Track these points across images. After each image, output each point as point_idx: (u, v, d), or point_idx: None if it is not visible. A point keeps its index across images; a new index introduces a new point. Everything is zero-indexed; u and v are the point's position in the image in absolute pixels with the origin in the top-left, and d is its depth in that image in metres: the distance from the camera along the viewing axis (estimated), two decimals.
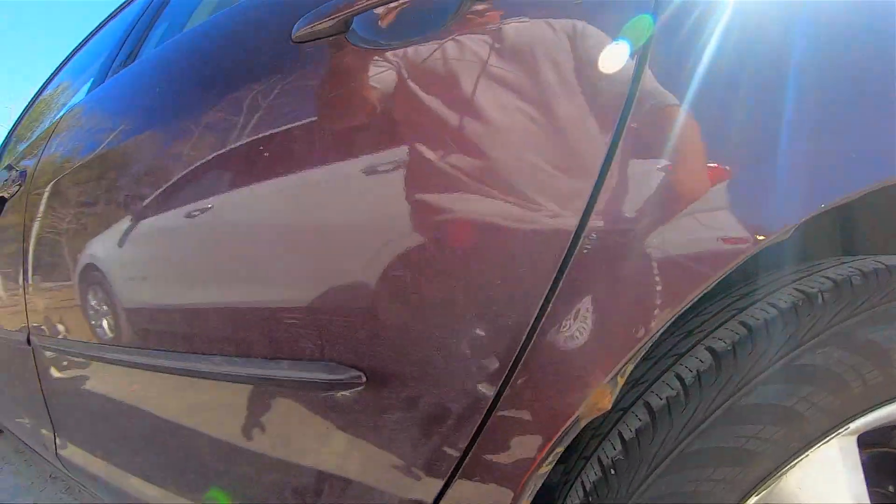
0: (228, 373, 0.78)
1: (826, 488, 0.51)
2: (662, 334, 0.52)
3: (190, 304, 0.86)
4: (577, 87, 0.56)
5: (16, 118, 2.19)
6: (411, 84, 0.64)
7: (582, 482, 0.57)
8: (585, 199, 0.51)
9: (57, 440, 1.33)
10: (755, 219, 0.50)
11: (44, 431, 1.40)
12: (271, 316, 0.74)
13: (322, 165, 0.70)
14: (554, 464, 0.55)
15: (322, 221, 0.70)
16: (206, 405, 0.86)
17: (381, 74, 0.66)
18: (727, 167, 0.51)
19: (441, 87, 0.62)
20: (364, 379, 0.62)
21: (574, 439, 0.55)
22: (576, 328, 0.52)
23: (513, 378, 0.55)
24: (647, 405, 0.54)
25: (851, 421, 0.50)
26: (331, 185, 0.69)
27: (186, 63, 0.99)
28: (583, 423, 0.53)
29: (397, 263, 0.61)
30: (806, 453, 0.50)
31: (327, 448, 0.70)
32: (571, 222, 0.52)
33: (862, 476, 0.52)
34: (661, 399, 0.53)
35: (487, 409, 0.56)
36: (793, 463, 0.50)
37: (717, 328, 0.54)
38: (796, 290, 0.52)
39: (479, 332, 0.57)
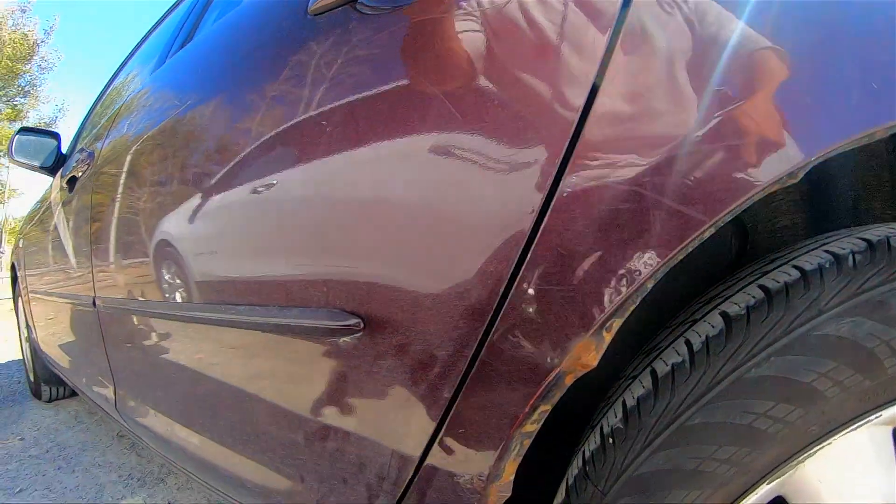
0: (253, 321, 0.82)
1: (852, 485, 0.44)
2: (684, 301, 0.52)
3: (222, 264, 0.91)
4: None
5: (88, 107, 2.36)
6: (411, 47, 0.63)
7: (582, 451, 0.55)
8: (566, 142, 0.49)
9: (117, 393, 1.45)
10: (752, 163, 0.45)
11: (106, 387, 1.54)
12: (291, 272, 0.77)
13: (326, 146, 0.71)
14: (541, 423, 0.53)
15: (328, 195, 0.71)
16: (231, 353, 0.92)
17: (387, 38, 0.66)
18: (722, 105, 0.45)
19: (438, 46, 0.60)
20: (362, 325, 0.63)
21: (587, 410, 0.55)
22: (556, 277, 0.50)
23: (494, 328, 0.53)
24: (653, 372, 0.50)
25: (885, 408, 0.44)
26: (343, 160, 0.69)
27: (228, 42, 1.04)
28: (568, 381, 0.50)
29: (389, 217, 0.62)
30: (828, 441, 0.44)
31: (330, 395, 0.72)
32: (554, 162, 0.49)
33: None
34: (666, 366, 0.49)
35: (470, 360, 0.55)
36: (812, 451, 0.45)
37: (736, 293, 0.49)
38: (825, 251, 0.47)
39: (463, 279, 0.55)
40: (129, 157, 1.30)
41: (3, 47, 24.91)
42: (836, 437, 0.44)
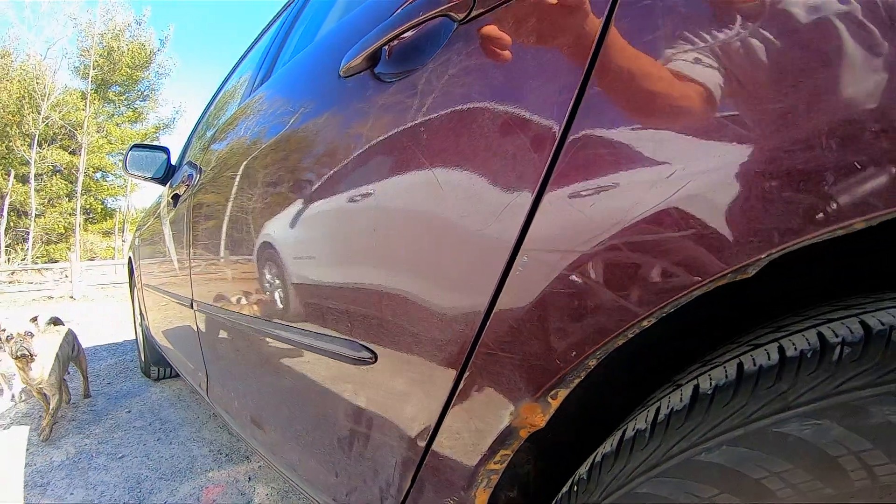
0: (302, 342, 0.94)
1: None
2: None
3: (279, 286, 1.03)
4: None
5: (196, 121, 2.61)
6: (412, 109, 0.68)
7: (560, 492, 0.57)
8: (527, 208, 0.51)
9: (209, 382, 1.66)
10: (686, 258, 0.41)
11: (200, 375, 1.75)
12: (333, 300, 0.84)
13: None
14: (504, 464, 0.57)
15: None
16: (283, 363, 1.06)
17: (391, 104, 0.73)
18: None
19: (436, 106, 0.65)
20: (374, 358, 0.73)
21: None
22: (509, 345, 0.53)
23: (462, 378, 0.59)
24: (622, 434, 0.50)
25: None
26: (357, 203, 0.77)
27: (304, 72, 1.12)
28: (523, 434, 0.54)
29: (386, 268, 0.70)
30: None
31: (352, 408, 0.83)
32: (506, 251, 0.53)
33: None
34: (631, 431, 0.49)
35: (446, 399, 0.61)
36: None
37: (715, 367, 0.45)
38: (818, 332, 0.40)
39: (436, 330, 0.62)
40: (222, 178, 1.45)
41: (123, 57, 27.08)
42: None
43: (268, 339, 1.10)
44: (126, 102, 29.29)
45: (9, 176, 25.40)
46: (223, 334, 1.44)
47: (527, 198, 0.51)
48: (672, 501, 0.44)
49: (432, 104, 0.65)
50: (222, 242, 1.36)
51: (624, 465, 0.47)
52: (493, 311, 0.55)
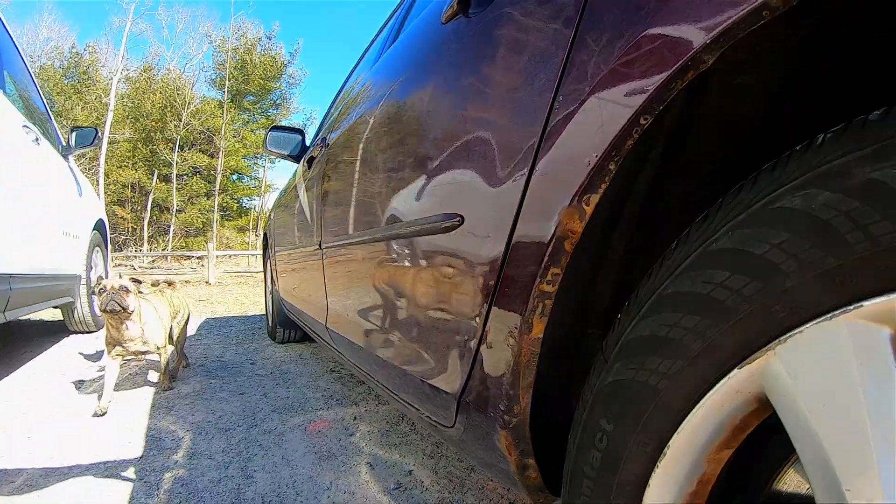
0: (403, 233, 1.09)
1: (825, 387, 0.38)
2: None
3: (387, 200, 1.18)
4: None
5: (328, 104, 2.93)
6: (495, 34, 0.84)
7: (605, 338, 0.63)
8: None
9: (328, 312, 1.89)
10: None
11: (321, 309, 1.99)
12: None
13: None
14: (556, 285, 0.65)
15: None
16: (388, 260, 1.19)
17: (479, 32, 0.89)
18: None
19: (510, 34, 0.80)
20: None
21: None
22: (551, 172, 0.65)
23: (518, 224, 0.71)
24: (657, 255, 0.57)
25: (869, 299, 0.37)
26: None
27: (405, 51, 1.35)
28: (568, 247, 0.62)
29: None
30: (798, 329, 0.41)
31: (443, 273, 0.93)
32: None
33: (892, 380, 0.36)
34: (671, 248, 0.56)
35: (507, 240, 0.73)
36: (781, 338, 0.42)
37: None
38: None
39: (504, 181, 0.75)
40: (344, 142, 1.70)
41: (255, 69, 29.45)
42: (808, 325, 0.40)
43: (375, 246, 1.29)
44: (260, 110, 31.85)
45: (153, 176, 28.26)
46: (343, 263, 1.65)
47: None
48: (691, 291, 0.49)
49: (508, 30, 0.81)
50: (348, 187, 1.58)
51: (656, 277, 0.55)
52: (538, 159, 0.67)
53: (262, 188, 32.17)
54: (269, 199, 31.39)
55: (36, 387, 2.64)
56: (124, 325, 2.30)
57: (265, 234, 4.22)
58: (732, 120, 0.64)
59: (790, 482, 0.54)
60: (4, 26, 2.91)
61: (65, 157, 3.62)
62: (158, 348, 2.46)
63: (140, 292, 2.39)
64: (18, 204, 2.47)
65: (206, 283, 12.39)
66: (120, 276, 2.39)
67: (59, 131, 3.76)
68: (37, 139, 2.82)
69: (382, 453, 1.78)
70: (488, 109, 0.84)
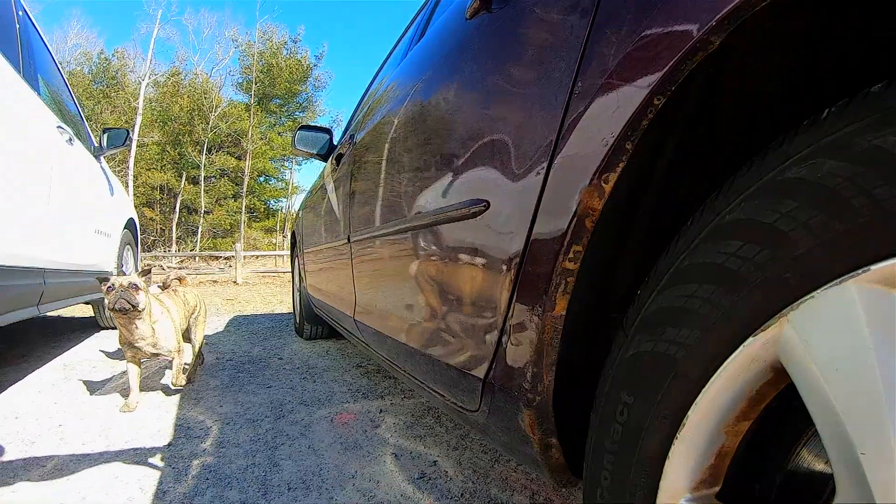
0: (430, 222, 1.11)
1: (839, 350, 0.39)
2: None
3: (413, 190, 1.22)
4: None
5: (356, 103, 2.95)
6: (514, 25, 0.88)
7: (625, 316, 0.65)
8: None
9: (356, 304, 1.92)
10: None
11: (349, 302, 2.03)
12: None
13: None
14: (577, 263, 0.67)
15: None
16: (416, 249, 1.22)
17: (501, 26, 0.93)
18: None
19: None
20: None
21: None
22: (573, 153, 0.68)
23: (542, 199, 0.73)
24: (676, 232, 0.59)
25: (877, 263, 0.37)
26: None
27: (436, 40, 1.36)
28: (588, 225, 0.64)
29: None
30: (810, 294, 0.41)
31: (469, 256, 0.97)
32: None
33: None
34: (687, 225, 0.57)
35: (532, 219, 0.75)
36: (794, 304, 0.43)
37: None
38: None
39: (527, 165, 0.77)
40: (372, 137, 1.74)
41: (281, 72, 29.85)
42: (818, 291, 0.41)
43: (403, 236, 1.32)
44: (286, 113, 32.25)
45: (181, 178, 28.76)
46: (371, 255, 1.68)
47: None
48: (706, 262, 0.52)
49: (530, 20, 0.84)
50: (376, 181, 1.62)
51: (674, 250, 0.57)
52: (560, 142, 0.70)
53: (289, 190, 32.61)
54: (296, 201, 31.86)
55: (68, 378, 2.73)
56: (134, 325, 2.19)
57: (293, 233, 4.29)
58: (747, 102, 0.65)
59: (808, 458, 0.53)
60: (39, 34, 3.01)
61: (97, 157, 3.72)
62: (170, 352, 2.33)
63: (155, 283, 2.22)
64: (52, 201, 2.55)
65: (234, 282, 12.61)
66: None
67: (91, 133, 3.86)
68: (70, 139, 2.90)
69: (407, 444, 1.81)
70: (511, 99, 0.86)
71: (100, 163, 3.79)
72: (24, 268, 2.26)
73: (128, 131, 3.97)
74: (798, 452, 0.53)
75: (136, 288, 2.12)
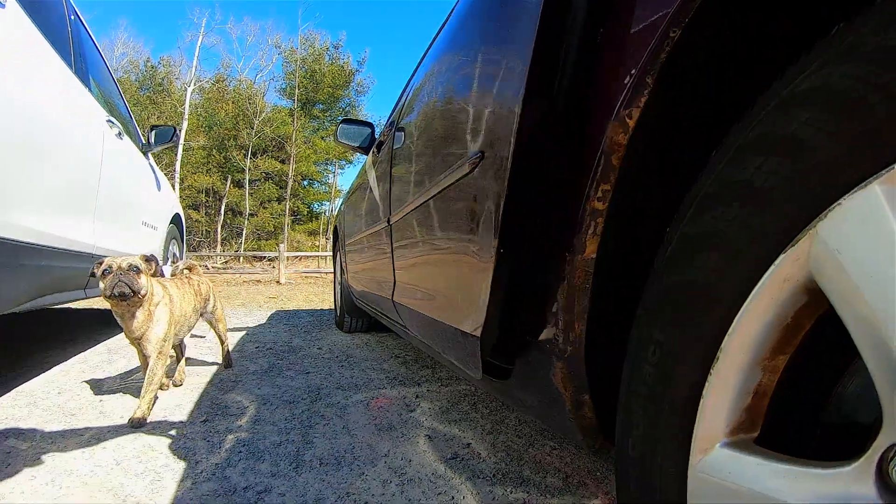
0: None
1: (870, 254, 0.37)
2: None
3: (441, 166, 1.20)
4: None
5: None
6: None
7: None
8: None
9: (395, 286, 1.93)
10: None
11: (389, 283, 2.04)
12: None
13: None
14: (606, 202, 0.65)
15: None
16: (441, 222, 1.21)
17: None
18: None
19: None
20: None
21: None
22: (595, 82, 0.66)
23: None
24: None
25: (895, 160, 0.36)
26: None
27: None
28: (615, 162, 0.63)
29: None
30: (837, 201, 0.40)
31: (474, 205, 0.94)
32: None
33: None
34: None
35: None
36: (821, 214, 0.41)
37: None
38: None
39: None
40: (410, 122, 1.74)
41: (324, 78, 30.33)
42: (844, 197, 0.39)
43: (435, 204, 1.32)
44: (329, 118, 32.70)
45: (227, 181, 29.47)
46: (408, 233, 1.68)
47: None
48: (731, 180, 0.50)
49: None
50: (411, 161, 1.63)
51: (704, 183, 0.55)
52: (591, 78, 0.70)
53: (332, 193, 33.04)
54: (339, 204, 32.27)
55: (111, 361, 2.82)
56: (132, 315, 1.86)
57: (335, 229, 4.36)
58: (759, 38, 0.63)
59: (851, 400, 0.49)
60: (91, 37, 3.13)
61: (145, 154, 3.84)
62: (152, 349, 1.93)
63: (158, 264, 1.98)
64: (101, 188, 2.64)
65: (277, 282, 12.82)
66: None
67: (139, 132, 3.99)
68: (119, 133, 3.01)
69: (441, 427, 1.80)
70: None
71: (147, 159, 3.90)
72: (74, 252, 2.33)
73: (175, 128, 4.08)
74: (840, 394, 0.49)
75: (137, 271, 1.83)
